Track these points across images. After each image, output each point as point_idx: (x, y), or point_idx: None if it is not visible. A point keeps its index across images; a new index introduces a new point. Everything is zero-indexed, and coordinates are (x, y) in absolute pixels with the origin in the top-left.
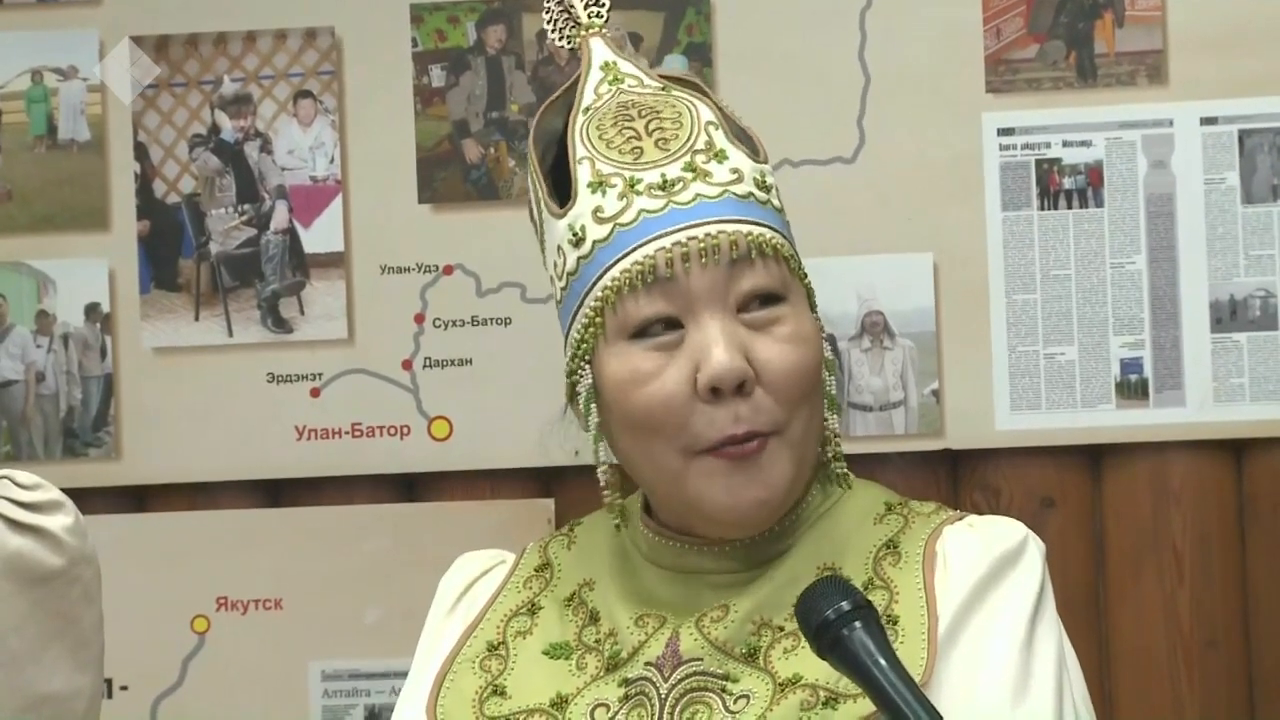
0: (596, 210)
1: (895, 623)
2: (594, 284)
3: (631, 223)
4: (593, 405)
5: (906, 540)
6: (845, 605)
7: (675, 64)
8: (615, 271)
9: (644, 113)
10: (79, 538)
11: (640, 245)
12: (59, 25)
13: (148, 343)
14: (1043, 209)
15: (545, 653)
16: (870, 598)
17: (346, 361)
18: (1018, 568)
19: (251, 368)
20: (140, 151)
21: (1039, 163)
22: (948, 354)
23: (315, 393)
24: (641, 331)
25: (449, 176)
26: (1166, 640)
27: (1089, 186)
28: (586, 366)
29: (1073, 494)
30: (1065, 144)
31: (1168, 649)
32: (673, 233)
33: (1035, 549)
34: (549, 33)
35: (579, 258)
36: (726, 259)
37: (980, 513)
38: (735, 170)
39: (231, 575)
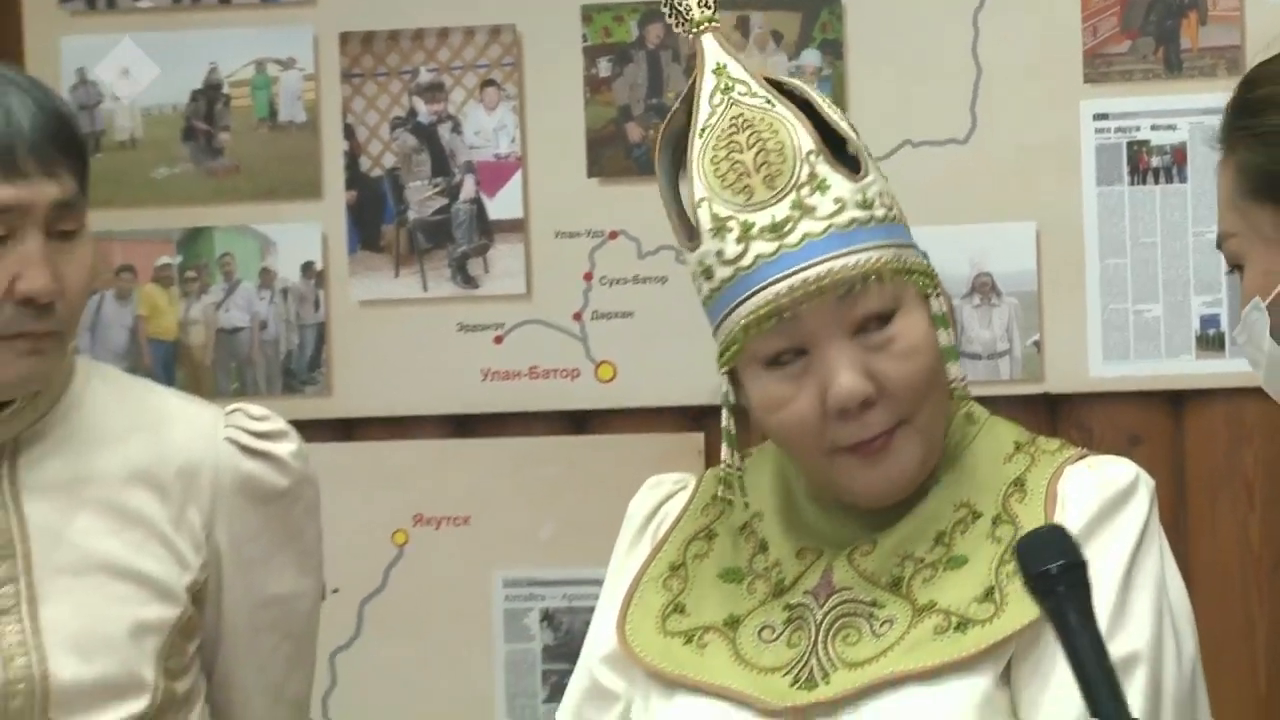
0: (719, 253)
1: None
2: (727, 315)
3: (750, 267)
4: (729, 409)
5: (1032, 478)
6: (1065, 560)
7: (810, 58)
8: (742, 310)
9: (752, 141)
10: (302, 462)
11: (759, 290)
12: (279, 23)
13: (355, 296)
14: (1133, 185)
15: (720, 576)
16: (998, 532)
17: (525, 313)
18: (1127, 507)
19: (443, 318)
20: (349, 132)
21: (1130, 144)
22: (1048, 310)
23: (498, 340)
24: (772, 360)
25: (614, 154)
26: (1239, 562)
27: (1174, 165)
28: (727, 376)
29: (1157, 433)
30: (1153, 128)
31: (1240, 570)
32: (786, 277)
33: (1145, 488)
34: (667, 18)
35: (711, 289)
36: (835, 294)
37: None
38: (838, 200)
39: (426, 496)
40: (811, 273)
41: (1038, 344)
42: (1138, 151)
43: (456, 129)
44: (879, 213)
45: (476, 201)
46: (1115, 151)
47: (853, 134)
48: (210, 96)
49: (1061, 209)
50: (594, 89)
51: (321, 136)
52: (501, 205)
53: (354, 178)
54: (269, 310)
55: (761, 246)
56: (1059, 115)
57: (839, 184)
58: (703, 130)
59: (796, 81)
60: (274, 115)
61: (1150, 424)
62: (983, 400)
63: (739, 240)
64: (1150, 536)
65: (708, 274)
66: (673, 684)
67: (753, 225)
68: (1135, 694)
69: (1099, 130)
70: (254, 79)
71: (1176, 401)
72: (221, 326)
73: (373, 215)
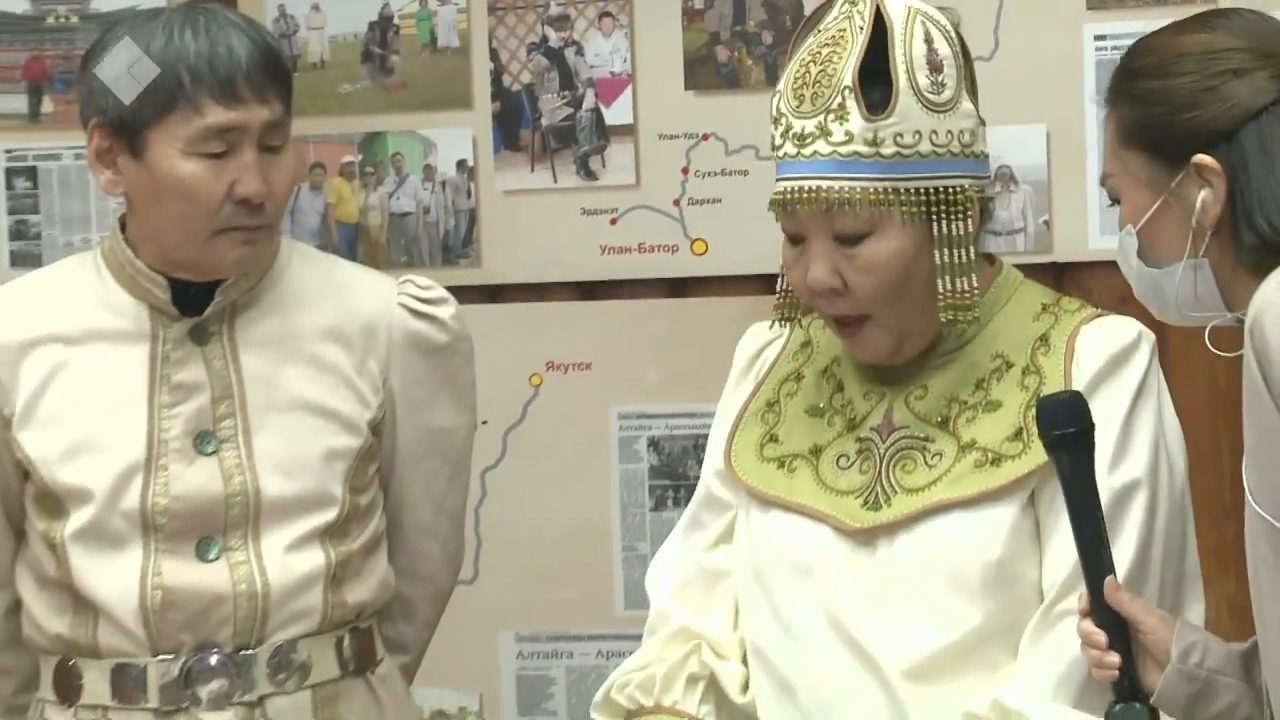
0: (772, 137)
1: None
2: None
3: (780, 158)
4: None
5: (1055, 335)
6: (1078, 426)
7: None
8: (775, 188)
9: (826, 57)
10: (459, 323)
11: (780, 179)
12: None
13: (499, 186)
14: None
15: (806, 411)
16: (1026, 380)
17: (635, 200)
18: (1131, 360)
19: (570, 204)
20: (494, 55)
21: None
22: (1055, 195)
23: (614, 221)
24: (787, 233)
25: (706, 71)
26: (1209, 398)
27: None
28: None
29: None
30: None
31: (1210, 404)
32: (794, 179)
33: (1146, 343)
34: None
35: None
36: (822, 207)
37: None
38: (848, 133)
39: (557, 346)
40: (804, 184)
41: (1047, 222)
42: None
43: (580, 52)
44: (886, 151)
45: (596, 110)
46: (1112, 67)
47: (903, 78)
48: (383, 27)
49: (1067, 113)
50: (690, 18)
51: (472, 59)
52: (616, 113)
53: (498, 92)
54: (431, 198)
55: (789, 148)
56: (1066, 37)
57: (855, 119)
58: (819, 30)
59: (895, 17)
60: (434, 41)
61: None
62: None
63: (781, 135)
64: (1150, 384)
65: (772, 145)
66: (768, 502)
67: (791, 128)
68: (1136, 510)
69: (1099, 49)
70: (418, 12)
71: None
72: (393, 211)
73: (513, 122)
